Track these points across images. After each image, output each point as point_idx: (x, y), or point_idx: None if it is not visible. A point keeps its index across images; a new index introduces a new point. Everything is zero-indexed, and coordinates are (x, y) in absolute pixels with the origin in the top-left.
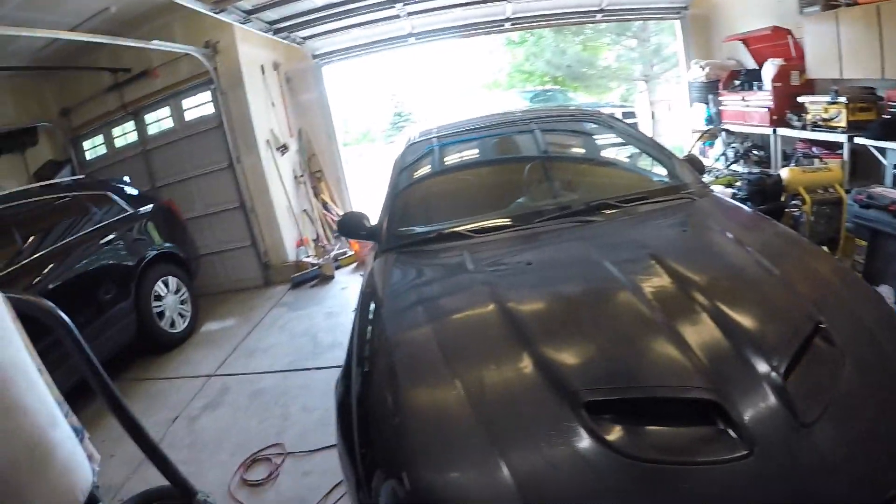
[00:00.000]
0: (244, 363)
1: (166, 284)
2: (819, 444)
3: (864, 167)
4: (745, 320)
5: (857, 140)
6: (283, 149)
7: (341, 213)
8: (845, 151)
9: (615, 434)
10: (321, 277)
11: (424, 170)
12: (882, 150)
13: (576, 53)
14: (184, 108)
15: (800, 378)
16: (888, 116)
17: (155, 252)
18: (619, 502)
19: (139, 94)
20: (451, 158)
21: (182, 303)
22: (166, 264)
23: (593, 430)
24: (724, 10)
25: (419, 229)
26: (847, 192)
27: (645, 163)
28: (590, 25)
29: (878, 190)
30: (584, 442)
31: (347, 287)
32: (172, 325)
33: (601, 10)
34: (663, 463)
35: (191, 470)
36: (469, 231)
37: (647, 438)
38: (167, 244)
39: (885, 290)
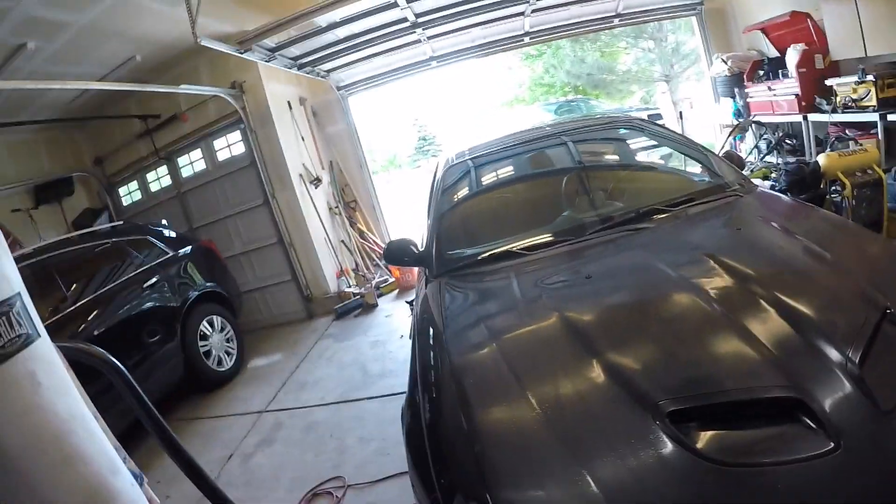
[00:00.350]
0: (294, 397)
1: (211, 324)
2: None
3: None
4: (812, 311)
5: (891, 117)
6: (317, 181)
7: (378, 240)
8: (879, 130)
9: (702, 441)
10: (364, 306)
11: (466, 191)
12: None
13: (595, 61)
14: (215, 148)
15: (874, 365)
16: None
17: (197, 292)
18: None
19: (170, 138)
20: (491, 178)
21: (227, 340)
22: (210, 303)
23: (679, 439)
24: (739, 0)
25: (469, 252)
26: (886, 171)
27: (685, 164)
28: (607, 31)
29: None
30: (672, 451)
31: (392, 314)
32: (219, 363)
33: (618, 15)
34: (753, 465)
35: None
36: (522, 249)
37: (734, 442)
38: (209, 283)
39: None
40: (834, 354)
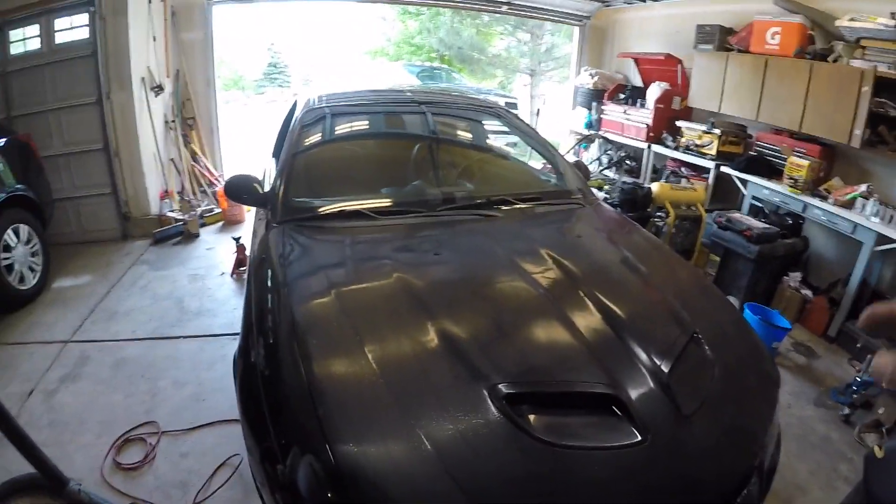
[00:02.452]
0: (103, 328)
1: (16, 233)
2: (697, 433)
3: (723, 192)
4: (631, 319)
5: (724, 169)
6: (158, 89)
7: (210, 165)
8: (711, 176)
9: (532, 422)
10: (185, 235)
11: (322, 138)
12: (744, 182)
13: (469, 36)
14: (56, 28)
15: (680, 377)
16: (754, 154)
17: (5, 195)
18: (541, 483)
19: (7, 4)
20: (350, 130)
21: (33, 254)
22: (17, 209)
23: (513, 418)
24: (623, 27)
25: (318, 203)
26: (707, 212)
27: (539, 162)
28: (490, 14)
29: (736, 216)
30: (505, 427)
31: (214, 248)
32: (22, 279)
33: (508, 3)
34: (575, 448)
35: (55, 453)
36: (371, 212)
37: (559, 426)
38: (19, 186)
39: (731, 299)
40: (646, 360)
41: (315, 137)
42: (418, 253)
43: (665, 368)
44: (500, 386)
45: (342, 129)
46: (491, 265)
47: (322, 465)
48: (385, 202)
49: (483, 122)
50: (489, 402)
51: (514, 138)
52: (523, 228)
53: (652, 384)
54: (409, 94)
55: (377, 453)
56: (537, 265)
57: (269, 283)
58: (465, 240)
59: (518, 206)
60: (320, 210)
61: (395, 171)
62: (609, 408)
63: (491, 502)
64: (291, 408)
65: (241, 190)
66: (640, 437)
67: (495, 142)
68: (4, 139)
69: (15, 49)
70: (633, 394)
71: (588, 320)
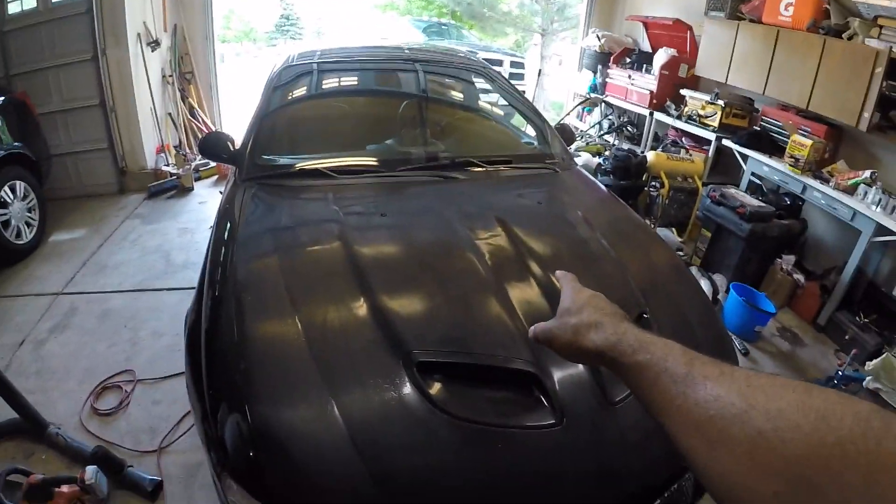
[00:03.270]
0: (93, 281)
1: (13, 189)
2: (622, 423)
3: (724, 166)
4: None
5: (726, 142)
6: (155, 44)
7: (208, 120)
8: (711, 149)
9: (441, 393)
10: (180, 189)
11: (297, 96)
12: (744, 157)
13: None
14: None
15: None
16: (758, 128)
17: (2, 153)
18: (438, 455)
19: None
20: (327, 89)
21: (30, 210)
22: (14, 166)
23: (421, 388)
24: None
25: (282, 161)
26: (704, 185)
27: (518, 124)
28: None
29: (731, 191)
30: (413, 398)
31: (206, 202)
32: (18, 234)
33: None
34: (480, 424)
35: (40, 400)
36: (333, 171)
37: (470, 400)
38: (16, 144)
39: (719, 278)
40: None
41: (287, 94)
42: (366, 216)
43: None
44: (413, 353)
45: (314, 85)
46: (435, 230)
47: (246, 424)
48: (345, 162)
49: (465, 79)
50: (402, 370)
51: (498, 100)
52: (481, 192)
53: (581, 367)
54: (389, 51)
55: (288, 416)
56: (485, 232)
57: (225, 239)
58: (417, 203)
59: (483, 168)
60: (281, 169)
61: (364, 130)
62: (528, 388)
63: (390, 471)
64: (223, 367)
65: (215, 147)
66: (553, 420)
67: (475, 101)
68: (2, 98)
69: (13, 8)
70: (558, 375)
71: (526, 293)
